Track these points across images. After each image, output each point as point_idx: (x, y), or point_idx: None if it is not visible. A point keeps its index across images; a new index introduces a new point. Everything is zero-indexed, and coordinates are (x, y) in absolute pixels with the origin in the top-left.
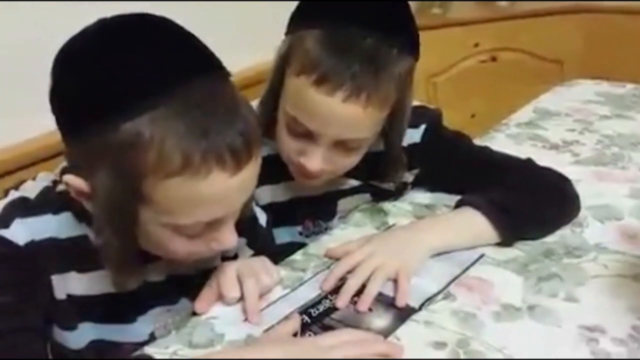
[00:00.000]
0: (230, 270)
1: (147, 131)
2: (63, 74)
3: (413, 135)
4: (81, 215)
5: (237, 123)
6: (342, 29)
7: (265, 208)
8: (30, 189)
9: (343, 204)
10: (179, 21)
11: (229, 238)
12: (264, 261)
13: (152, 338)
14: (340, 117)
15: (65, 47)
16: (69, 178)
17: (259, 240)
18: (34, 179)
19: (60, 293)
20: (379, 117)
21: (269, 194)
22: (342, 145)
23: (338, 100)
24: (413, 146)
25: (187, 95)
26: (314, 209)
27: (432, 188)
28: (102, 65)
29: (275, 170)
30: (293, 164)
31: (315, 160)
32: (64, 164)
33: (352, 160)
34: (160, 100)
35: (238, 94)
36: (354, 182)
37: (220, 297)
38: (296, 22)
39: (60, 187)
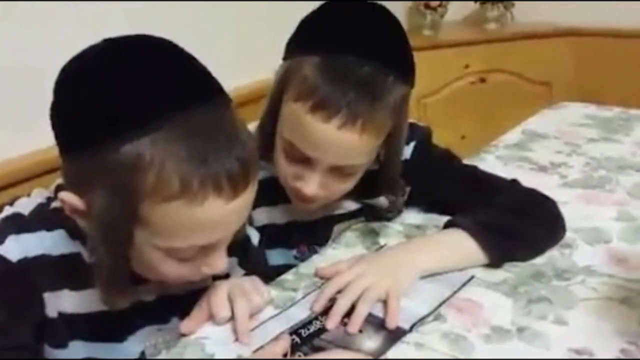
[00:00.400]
0: (221, 290)
1: (147, 153)
2: (66, 92)
3: (404, 152)
4: (75, 233)
5: (236, 150)
6: (339, 56)
7: (261, 230)
8: (25, 206)
9: (339, 229)
10: (176, 40)
11: (220, 263)
12: (254, 281)
13: (142, 357)
14: (335, 144)
15: (68, 66)
16: (65, 195)
17: (250, 260)
18: (28, 195)
19: (51, 311)
20: (375, 145)
21: (266, 215)
22: (338, 171)
23: (334, 127)
24: (403, 162)
25: (189, 120)
26: (309, 234)
27: (422, 205)
28: (106, 86)
29: (273, 193)
30: (290, 187)
31: (312, 185)
32: (59, 180)
33: (347, 185)
34: (162, 124)
35: (238, 119)
36: (350, 207)
37: (211, 317)
38: (294, 48)
39: (55, 204)
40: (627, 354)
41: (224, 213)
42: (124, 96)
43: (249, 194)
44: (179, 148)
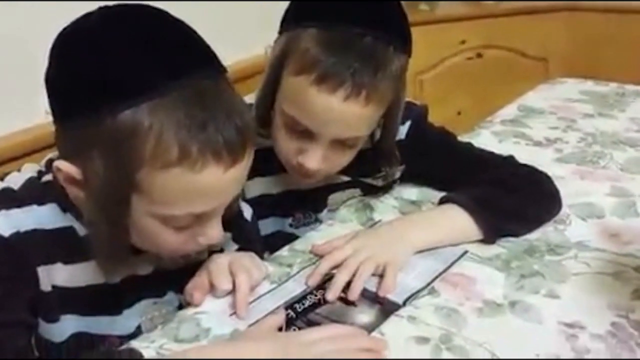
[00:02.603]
0: (222, 263)
1: (146, 121)
2: (64, 58)
3: (400, 131)
4: (67, 206)
5: (234, 118)
6: (339, 27)
7: (256, 200)
8: (15, 181)
9: (334, 197)
10: (176, 14)
11: (215, 232)
12: (253, 257)
13: (138, 331)
14: (340, 116)
15: (66, 32)
16: (60, 163)
17: (243, 235)
18: (18, 170)
19: (45, 285)
20: (377, 115)
21: (261, 186)
22: (340, 144)
23: (339, 99)
24: (398, 142)
25: (187, 87)
26: (304, 202)
27: (417, 183)
28: (104, 53)
29: (267, 163)
30: (291, 164)
31: (315, 159)
32: (50, 155)
33: (348, 158)
34: (161, 91)
35: (233, 88)
36: (345, 177)
37: (211, 289)
38: (290, 21)
39: (46, 178)
40: (617, 327)
41: (221, 181)
42: (123, 63)
43: (246, 163)
44: (178, 115)
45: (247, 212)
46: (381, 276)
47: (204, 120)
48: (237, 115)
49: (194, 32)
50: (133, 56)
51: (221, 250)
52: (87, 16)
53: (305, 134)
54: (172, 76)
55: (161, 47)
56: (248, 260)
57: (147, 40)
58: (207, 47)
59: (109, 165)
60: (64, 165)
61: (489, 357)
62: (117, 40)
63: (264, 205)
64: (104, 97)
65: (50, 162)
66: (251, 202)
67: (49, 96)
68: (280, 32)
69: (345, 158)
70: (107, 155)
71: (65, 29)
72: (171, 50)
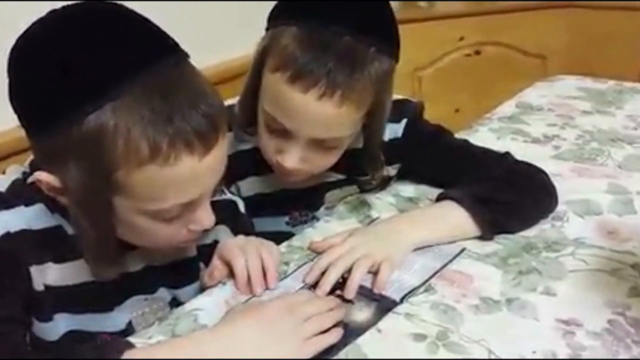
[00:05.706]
0: (229, 244)
1: (111, 122)
2: (20, 71)
3: (395, 130)
4: (54, 206)
5: (200, 105)
6: (319, 26)
7: (251, 199)
8: (1, 183)
9: (330, 195)
10: (170, 13)
11: (206, 218)
12: (262, 241)
13: (129, 327)
14: (314, 116)
15: (19, 44)
16: (40, 175)
17: (241, 227)
18: (3, 172)
19: (38, 284)
20: (355, 117)
21: (256, 185)
22: (318, 144)
23: (312, 98)
24: (395, 140)
25: (145, 82)
26: (301, 201)
27: (415, 181)
28: (58, 58)
29: (260, 162)
30: (272, 162)
31: (292, 159)
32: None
33: (330, 159)
34: (120, 90)
35: (199, 74)
36: (340, 175)
37: (229, 270)
38: (275, 18)
39: (31, 179)
40: (614, 324)
41: (199, 169)
42: (78, 68)
43: (221, 147)
44: (141, 111)
45: (242, 206)
46: (378, 273)
47: (168, 112)
48: (202, 100)
49: (148, 22)
50: (86, 60)
51: (216, 243)
52: (36, 24)
53: (284, 133)
54: (130, 72)
55: (115, 44)
56: (257, 242)
57: (97, 41)
58: (164, 34)
59: (85, 172)
60: (43, 176)
61: (486, 354)
62: (66, 47)
63: (259, 205)
64: (65, 105)
65: (33, 163)
66: (246, 201)
67: (15, 112)
68: (267, 29)
69: (327, 159)
70: (81, 162)
71: (17, 41)
72: (123, 47)
